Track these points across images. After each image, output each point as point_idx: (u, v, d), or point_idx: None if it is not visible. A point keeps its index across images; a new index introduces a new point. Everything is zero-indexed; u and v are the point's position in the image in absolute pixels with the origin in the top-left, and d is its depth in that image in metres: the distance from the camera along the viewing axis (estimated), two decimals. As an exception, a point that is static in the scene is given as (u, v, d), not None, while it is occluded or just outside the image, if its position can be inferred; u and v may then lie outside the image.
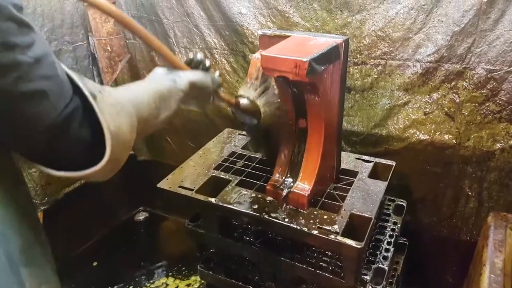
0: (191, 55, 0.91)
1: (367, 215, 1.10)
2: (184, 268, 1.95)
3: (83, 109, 0.54)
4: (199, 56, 0.91)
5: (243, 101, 1.04)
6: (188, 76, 0.82)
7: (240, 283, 1.33)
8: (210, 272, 1.40)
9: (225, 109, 1.71)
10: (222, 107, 1.70)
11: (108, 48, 1.74)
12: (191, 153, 1.46)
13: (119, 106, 0.60)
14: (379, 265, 1.17)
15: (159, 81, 0.78)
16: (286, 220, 1.09)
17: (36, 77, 0.51)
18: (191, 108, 1.08)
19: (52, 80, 0.52)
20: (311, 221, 1.08)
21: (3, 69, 0.48)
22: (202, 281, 1.78)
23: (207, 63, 0.91)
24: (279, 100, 1.12)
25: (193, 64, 0.90)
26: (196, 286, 1.85)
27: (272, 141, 1.24)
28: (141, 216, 2.26)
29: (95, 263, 1.97)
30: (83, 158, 0.55)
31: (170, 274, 1.92)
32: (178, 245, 2.10)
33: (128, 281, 1.88)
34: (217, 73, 0.94)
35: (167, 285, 1.88)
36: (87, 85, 0.56)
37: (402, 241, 1.45)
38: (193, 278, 1.89)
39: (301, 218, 1.10)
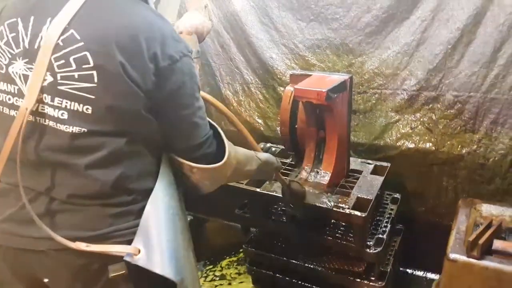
0: (261, 145, 1.44)
1: (369, 197, 1.55)
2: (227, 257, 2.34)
3: (212, 137, 1.03)
4: (268, 145, 1.48)
5: (294, 184, 1.48)
6: (263, 154, 1.28)
7: (276, 256, 1.76)
8: (253, 249, 1.83)
9: (258, 127, 2.18)
10: (256, 126, 2.18)
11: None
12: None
13: (231, 145, 1.08)
14: (379, 236, 1.60)
15: (247, 150, 1.23)
16: (312, 201, 1.55)
17: (199, 116, 0.97)
18: (258, 178, 1.48)
19: (204, 119, 1.00)
20: (330, 200, 1.54)
21: (186, 106, 0.94)
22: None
23: (274, 149, 1.46)
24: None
25: (265, 150, 1.40)
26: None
27: (299, 149, 1.73)
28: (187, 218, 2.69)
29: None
30: (210, 162, 1.01)
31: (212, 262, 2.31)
32: (220, 240, 2.52)
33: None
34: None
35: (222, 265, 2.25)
36: (218, 127, 1.05)
37: (399, 227, 1.89)
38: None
39: (323, 199, 1.56)
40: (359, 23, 1.82)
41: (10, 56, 0.91)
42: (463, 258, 1.32)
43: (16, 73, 0.90)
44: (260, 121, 2.18)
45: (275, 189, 1.64)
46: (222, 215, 2.53)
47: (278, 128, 1.95)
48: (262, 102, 2.19)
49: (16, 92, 0.91)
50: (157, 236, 0.93)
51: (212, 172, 1.02)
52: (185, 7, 1.98)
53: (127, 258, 0.89)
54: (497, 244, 1.33)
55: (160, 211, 0.96)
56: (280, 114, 1.73)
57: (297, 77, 1.67)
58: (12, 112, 0.91)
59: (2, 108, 0.94)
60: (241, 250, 2.22)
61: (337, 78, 1.56)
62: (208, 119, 1.03)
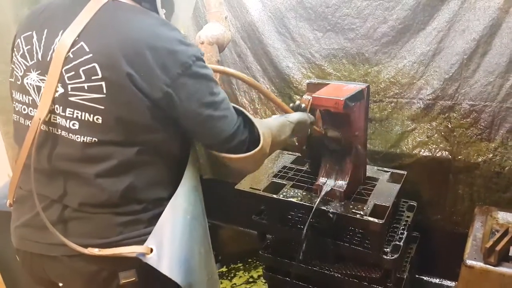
0: (291, 104, 1.43)
1: (386, 204, 1.57)
2: (241, 263, 2.38)
3: (243, 124, 1.05)
4: (297, 102, 1.44)
5: (329, 131, 1.56)
6: (294, 116, 1.32)
7: (293, 262, 1.78)
8: (270, 256, 1.86)
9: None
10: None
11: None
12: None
13: (262, 123, 1.11)
14: (396, 242, 1.61)
15: (278, 118, 1.27)
16: (330, 207, 1.58)
17: (222, 109, 0.99)
18: (295, 138, 1.49)
19: (229, 110, 1.01)
20: (347, 208, 1.57)
21: (207, 105, 0.96)
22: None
23: (303, 106, 1.43)
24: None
25: (294, 108, 1.42)
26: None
27: (316, 157, 1.76)
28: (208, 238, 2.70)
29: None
30: (244, 151, 1.03)
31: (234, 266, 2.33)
32: (235, 246, 2.55)
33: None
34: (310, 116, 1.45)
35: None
36: (245, 111, 1.07)
37: (415, 235, 1.90)
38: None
39: (340, 206, 1.58)
40: (375, 34, 1.85)
41: (25, 68, 0.95)
42: (480, 264, 1.33)
43: (30, 84, 0.94)
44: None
45: (292, 195, 1.67)
46: (238, 222, 2.56)
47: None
48: (278, 110, 2.22)
49: (30, 102, 0.95)
50: (171, 239, 0.95)
51: (251, 157, 1.04)
52: (205, 18, 2.04)
53: (139, 257, 0.91)
54: (515, 251, 1.34)
55: (177, 216, 0.98)
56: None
57: (314, 85, 1.70)
58: (27, 122, 0.96)
59: (19, 118, 0.99)
60: (255, 257, 2.25)
61: (354, 87, 1.59)
62: (233, 105, 1.04)
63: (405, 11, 1.76)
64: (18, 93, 0.98)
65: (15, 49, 0.99)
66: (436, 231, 1.93)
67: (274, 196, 1.69)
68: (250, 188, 1.76)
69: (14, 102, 1.00)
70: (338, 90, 1.56)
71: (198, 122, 0.97)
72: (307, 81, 1.75)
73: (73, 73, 0.89)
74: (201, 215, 1.07)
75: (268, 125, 1.14)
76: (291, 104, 1.44)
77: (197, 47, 0.97)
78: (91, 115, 0.88)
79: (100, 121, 0.89)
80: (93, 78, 0.87)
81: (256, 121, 1.08)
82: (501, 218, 1.55)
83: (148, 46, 0.87)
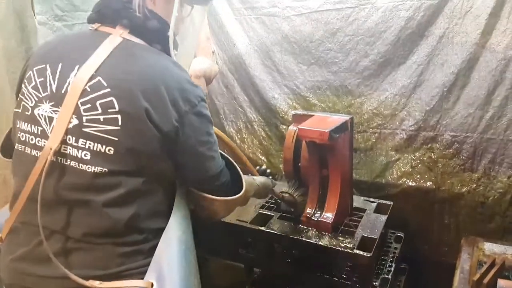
0: (257, 167, 1.57)
1: (373, 237, 1.56)
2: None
3: (225, 169, 1.12)
4: (264, 167, 1.59)
5: (286, 196, 1.63)
6: (260, 179, 1.44)
7: (281, 296, 1.75)
8: (257, 290, 1.82)
9: (260, 164, 2.20)
10: (258, 163, 2.22)
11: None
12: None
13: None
14: (385, 276, 1.60)
15: (247, 178, 1.33)
16: (317, 240, 1.56)
17: (213, 150, 1.06)
18: (256, 198, 1.61)
19: (217, 153, 1.08)
20: (335, 240, 1.55)
21: (203, 143, 1.03)
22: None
23: (268, 171, 1.57)
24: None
25: (260, 172, 1.55)
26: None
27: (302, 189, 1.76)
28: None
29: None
30: (227, 193, 1.09)
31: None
32: (222, 280, 2.48)
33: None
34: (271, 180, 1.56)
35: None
36: (229, 157, 1.14)
37: (403, 266, 1.89)
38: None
39: (327, 239, 1.57)
40: (357, 67, 1.91)
41: (37, 99, 0.97)
42: (469, 298, 1.32)
43: (42, 115, 0.96)
44: (263, 158, 2.23)
45: (281, 228, 1.65)
46: (224, 255, 2.50)
47: (281, 165, 1.99)
48: (265, 139, 2.24)
49: (39, 133, 0.96)
50: (169, 271, 0.96)
51: (231, 202, 1.13)
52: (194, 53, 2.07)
53: None
54: (501, 283, 1.33)
55: (173, 246, 1.00)
56: (283, 152, 1.78)
57: (300, 117, 1.72)
58: (34, 152, 0.96)
59: (24, 148, 0.98)
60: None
61: (339, 118, 1.61)
62: (220, 151, 1.12)
63: (386, 45, 1.82)
64: (26, 123, 0.98)
65: (25, 80, 1.01)
66: (424, 262, 1.91)
67: (262, 228, 1.67)
68: (237, 220, 1.74)
69: (19, 132, 1.00)
70: (323, 122, 1.58)
71: (191, 158, 1.03)
72: (293, 112, 1.78)
73: (89, 105, 0.92)
74: (192, 244, 1.10)
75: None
76: (257, 167, 1.59)
77: (201, 88, 1.04)
78: (103, 146, 0.92)
79: (112, 152, 0.92)
80: (109, 110, 0.91)
81: (239, 170, 1.18)
82: (487, 249, 1.55)
83: (163, 83, 0.94)
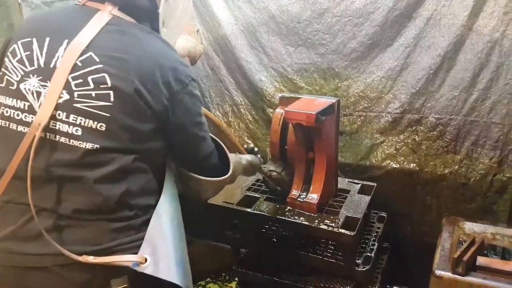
0: (245, 146, 1.59)
1: (357, 216, 1.59)
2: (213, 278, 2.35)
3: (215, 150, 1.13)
4: (251, 146, 1.61)
5: (274, 174, 1.67)
6: (246, 157, 1.46)
7: (266, 276, 1.77)
8: (244, 270, 1.84)
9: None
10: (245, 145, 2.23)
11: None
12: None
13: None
14: (367, 254, 1.63)
15: (235, 156, 1.35)
16: (303, 220, 1.58)
17: (204, 130, 1.07)
18: (244, 176, 1.64)
19: (208, 133, 1.09)
20: (319, 220, 1.57)
21: (194, 124, 1.04)
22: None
23: (256, 149, 1.59)
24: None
25: (248, 150, 1.56)
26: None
27: (288, 170, 1.77)
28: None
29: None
30: (216, 174, 1.10)
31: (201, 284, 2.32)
32: (209, 262, 2.51)
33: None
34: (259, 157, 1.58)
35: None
36: (217, 140, 1.16)
37: (385, 245, 1.93)
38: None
39: (312, 219, 1.59)
40: (345, 49, 1.90)
41: (22, 73, 0.94)
42: (448, 274, 1.36)
43: (29, 89, 0.93)
44: (249, 141, 2.22)
45: (267, 209, 1.67)
46: (211, 237, 2.52)
47: (268, 149, 1.99)
48: (252, 123, 2.23)
49: (26, 108, 0.93)
50: (163, 244, 0.98)
51: (219, 182, 1.15)
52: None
53: (134, 267, 0.91)
54: (481, 260, 1.38)
55: (165, 221, 1.01)
56: (270, 135, 1.78)
57: (287, 99, 1.72)
58: (20, 128, 0.93)
59: (9, 124, 0.95)
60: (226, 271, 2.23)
61: (325, 101, 1.61)
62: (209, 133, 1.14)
63: (374, 27, 1.81)
64: (10, 98, 0.95)
65: (9, 54, 0.98)
66: (406, 241, 1.96)
67: (248, 210, 1.68)
68: (223, 202, 1.74)
69: (3, 108, 0.97)
70: (310, 104, 1.58)
71: (184, 138, 1.06)
72: (280, 95, 1.77)
73: (81, 80, 0.91)
74: (182, 221, 1.11)
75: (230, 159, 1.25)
76: (245, 146, 1.61)
77: (191, 68, 1.08)
78: (95, 122, 0.91)
79: (103, 128, 0.91)
80: (102, 86, 0.91)
81: (228, 152, 1.20)
82: (467, 228, 1.60)
83: (157, 64, 0.95)
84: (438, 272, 1.38)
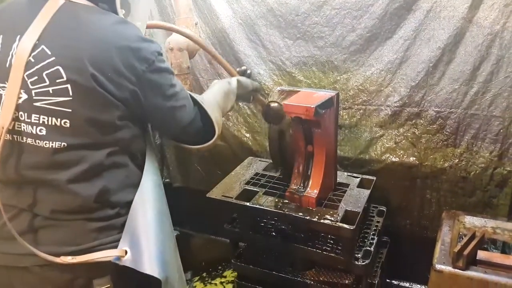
0: (237, 69, 1.51)
1: (356, 210, 1.58)
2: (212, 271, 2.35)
3: (198, 111, 1.08)
4: (244, 67, 1.53)
5: (274, 105, 1.51)
6: (234, 81, 1.38)
7: (265, 270, 1.76)
8: (242, 264, 1.83)
9: (245, 142, 2.21)
10: (243, 140, 2.21)
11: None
12: (218, 179, 1.87)
13: (212, 105, 1.14)
14: (367, 248, 1.62)
15: (220, 85, 1.32)
16: (302, 214, 1.57)
17: (181, 98, 1.02)
18: (241, 102, 1.57)
19: (187, 99, 1.05)
20: (319, 214, 1.56)
21: (170, 97, 0.99)
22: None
23: (248, 71, 1.51)
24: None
25: (240, 73, 1.49)
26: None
27: (287, 163, 1.75)
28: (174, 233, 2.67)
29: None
30: (201, 138, 1.09)
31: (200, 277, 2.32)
32: (207, 255, 2.51)
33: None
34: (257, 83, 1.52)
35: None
36: (198, 97, 1.09)
37: (385, 239, 1.93)
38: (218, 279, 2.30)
39: (312, 213, 1.58)
40: (344, 42, 1.88)
41: None
42: (449, 268, 1.35)
43: None
44: (248, 135, 2.21)
45: (266, 203, 1.66)
46: (210, 230, 2.52)
47: (267, 143, 1.97)
48: (250, 116, 2.21)
49: None
50: (144, 236, 0.95)
51: (210, 145, 1.15)
52: (175, 24, 2.00)
53: (116, 261, 0.90)
54: (481, 254, 1.37)
55: (146, 211, 0.98)
56: (268, 129, 1.76)
57: (286, 93, 1.70)
58: None
59: None
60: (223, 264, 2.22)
61: (325, 94, 1.60)
62: (189, 93, 1.09)
63: (373, 20, 1.79)
64: None
65: None
66: (405, 235, 1.96)
67: (247, 203, 1.67)
68: (222, 196, 1.74)
69: None
70: (309, 98, 1.57)
71: (162, 115, 1.01)
72: (278, 88, 1.75)
73: (36, 77, 0.87)
74: (166, 210, 1.08)
75: (216, 99, 1.21)
76: (237, 69, 1.53)
77: (156, 42, 0.98)
78: (58, 119, 0.87)
79: (68, 124, 0.87)
80: (58, 81, 0.86)
81: (208, 106, 1.13)
82: (467, 222, 1.59)
83: (112, 46, 0.88)
84: (438, 267, 1.37)
